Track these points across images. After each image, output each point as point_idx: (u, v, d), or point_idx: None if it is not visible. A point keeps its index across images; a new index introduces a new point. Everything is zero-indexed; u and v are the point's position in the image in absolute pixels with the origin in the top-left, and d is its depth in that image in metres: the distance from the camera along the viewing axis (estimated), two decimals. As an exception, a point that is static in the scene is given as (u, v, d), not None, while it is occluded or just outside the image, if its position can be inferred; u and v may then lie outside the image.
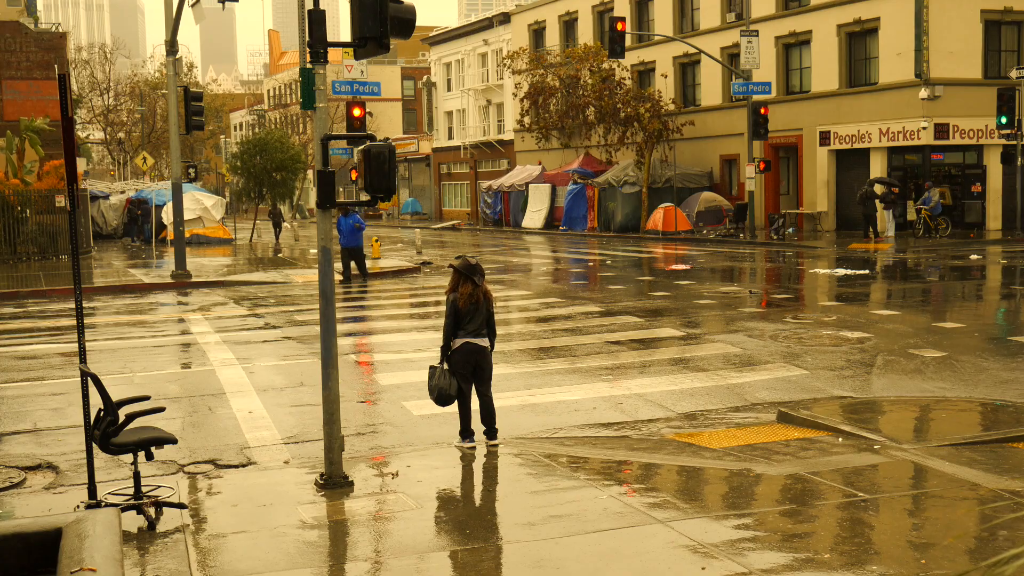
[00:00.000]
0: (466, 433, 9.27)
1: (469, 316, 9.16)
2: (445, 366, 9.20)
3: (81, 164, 46.32)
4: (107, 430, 7.25)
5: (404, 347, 14.99)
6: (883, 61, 35.62)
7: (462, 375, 9.18)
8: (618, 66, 42.67)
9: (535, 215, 48.82)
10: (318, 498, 7.82)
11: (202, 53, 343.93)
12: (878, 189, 34.04)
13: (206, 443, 9.73)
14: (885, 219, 33.60)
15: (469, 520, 7.38)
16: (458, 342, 9.19)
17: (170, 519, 7.36)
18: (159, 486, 7.89)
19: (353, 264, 25.19)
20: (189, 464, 9.00)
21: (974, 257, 26.99)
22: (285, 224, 47.45)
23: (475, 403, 9.36)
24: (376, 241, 32.14)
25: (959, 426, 9.78)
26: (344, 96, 28.28)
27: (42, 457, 9.31)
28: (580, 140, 45.58)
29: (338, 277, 24.63)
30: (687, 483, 8.34)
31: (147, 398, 7.93)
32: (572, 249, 36.30)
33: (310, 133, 68.40)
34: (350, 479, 8.12)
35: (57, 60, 36.96)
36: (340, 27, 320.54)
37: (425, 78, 70.98)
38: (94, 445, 7.46)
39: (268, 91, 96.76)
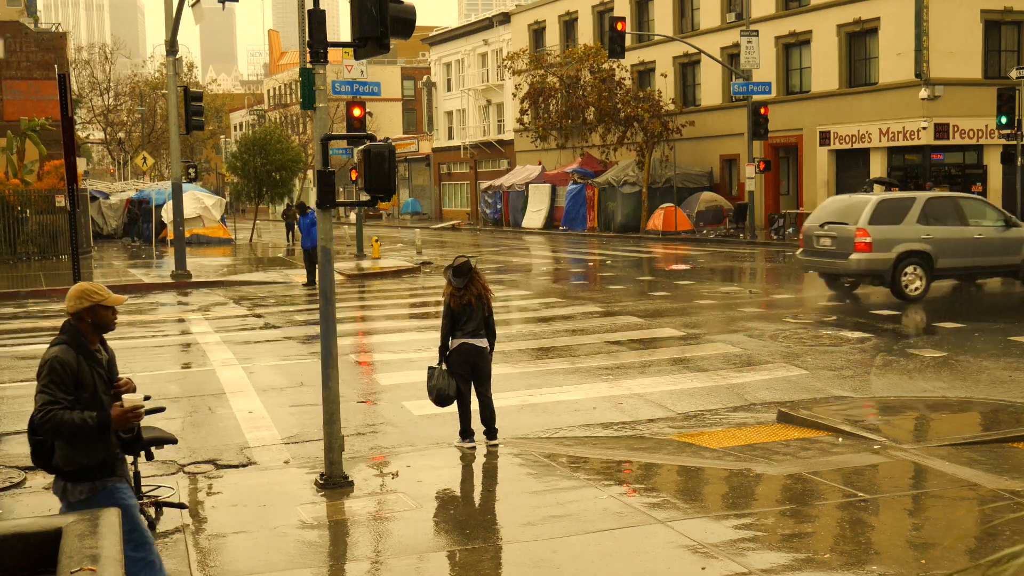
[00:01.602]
0: (466, 433, 9.27)
1: (465, 317, 9.15)
2: (443, 367, 9.21)
3: (81, 164, 46.23)
4: (107, 430, 7.24)
5: (404, 347, 15.00)
6: (883, 61, 35.62)
7: (460, 376, 9.18)
8: (618, 66, 42.66)
9: (535, 215, 48.83)
10: (318, 498, 7.82)
11: (202, 53, 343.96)
12: (876, 190, 34.03)
13: (206, 443, 9.73)
14: (885, 219, 33.59)
15: (469, 520, 7.38)
16: (455, 343, 9.19)
17: (170, 519, 7.36)
18: (159, 486, 7.90)
19: (307, 268, 24.07)
20: (189, 464, 9.00)
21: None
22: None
23: (475, 403, 9.37)
24: (376, 241, 32.14)
25: (959, 426, 9.78)
26: (344, 96, 28.28)
27: (42, 457, 9.30)
28: (580, 140, 45.58)
29: (302, 280, 24.32)
30: (687, 483, 8.34)
31: (147, 398, 7.93)
32: (572, 249, 36.30)
33: (310, 133, 68.41)
34: (350, 479, 8.12)
35: (57, 60, 36.95)
36: (340, 27, 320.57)
37: (425, 78, 70.99)
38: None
39: (268, 91, 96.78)
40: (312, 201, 56.42)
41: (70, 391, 5.14)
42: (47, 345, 5.40)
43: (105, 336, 5.53)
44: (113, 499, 5.22)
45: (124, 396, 5.24)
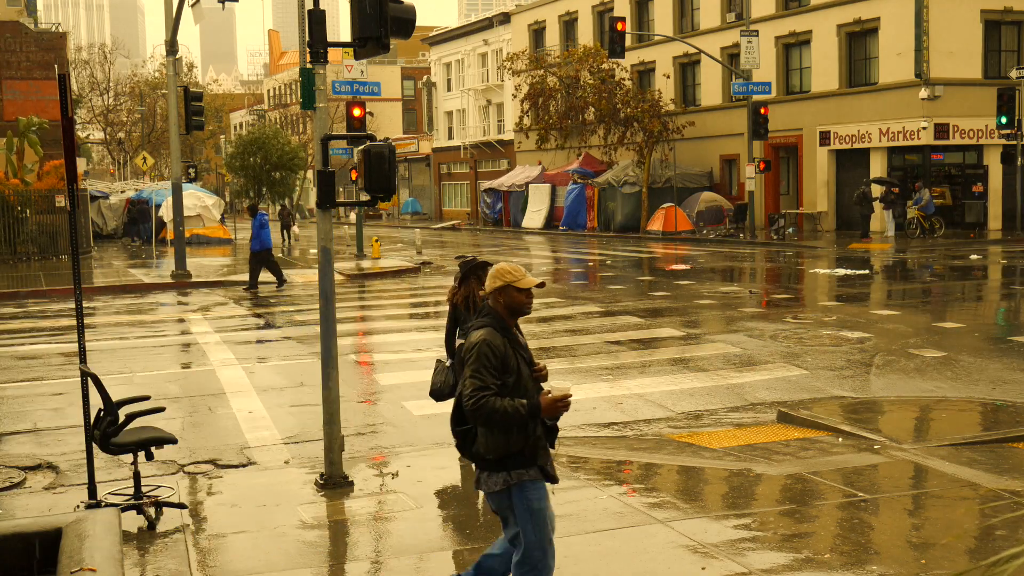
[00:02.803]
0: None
1: (461, 317, 9.13)
2: (447, 363, 9.21)
3: (81, 164, 46.25)
4: (107, 430, 7.24)
5: (404, 347, 14.99)
6: (883, 61, 35.63)
7: (458, 375, 9.15)
8: (618, 66, 42.67)
9: (535, 215, 48.83)
10: (318, 498, 7.82)
11: (202, 53, 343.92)
12: (875, 189, 34.05)
13: (206, 443, 9.73)
14: (885, 219, 33.60)
15: (469, 520, 7.38)
16: (458, 342, 9.18)
17: (170, 519, 7.36)
18: (159, 486, 7.89)
19: (269, 271, 23.69)
20: (189, 464, 9.00)
21: (974, 257, 27.00)
22: (294, 227, 44.69)
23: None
24: (376, 241, 32.15)
25: (959, 426, 9.78)
26: (344, 96, 28.27)
27: (42, 457, 9.31)
28: (580, 140, 45.60)
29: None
30: (687, 483, 8.33)
31: (147, 398, 7.93)
32: (572, 249, 36.30)
33: (310, 133, 68.40)
34: (350, 479, 8.12)
35: (57, 60, 36.95)
36: (340, 27, 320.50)
37: (425, 78, 70.99)
38: (94, 445, 7.46)
39: (268, 91, 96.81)
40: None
41: (499, 376, 4.97)
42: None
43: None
44: (522, 498, 5.05)
45: (553, 384, 5.02)
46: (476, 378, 4.95)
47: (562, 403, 5.00)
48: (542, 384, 5.16)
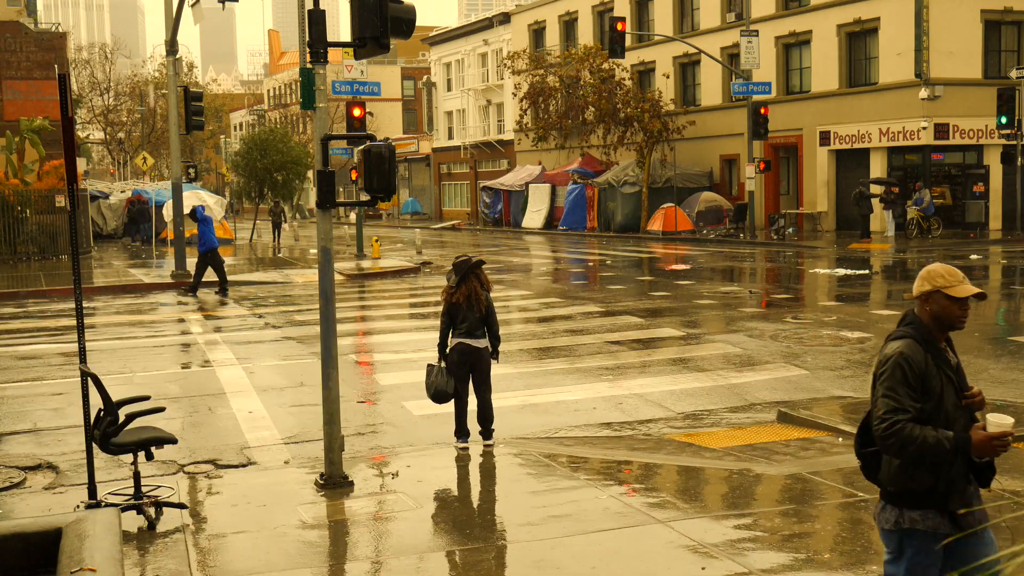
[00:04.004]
0: (461, 433, 9.26)
1: (459, 316, 9.14)
2: (442, 364, 9.23)
3: (81, 164, 46.23)
4: (107, 430, 7.24)
5: (404, 347, 15.00)
6: (883, 61, 35.63)
7: (457, 376, 9.16)
8: (618, 66, 42.66)
9: (535, 215, 48.83)
10: (318, 498, 7.82)
11: (202, 53, 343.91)
12: (874, 189, 34.05)
13: (206, 443, 9.73)
14: (885, 219, 33.61)
15: (469, 520, 7.38)
16: (453, 341, 9.19)
17: (170, 519, 7.36)
18: (159, 486, 7.89)
19: (215, 273, 22.69)
20: (189, 464, 9.00)
21: (974, 257, 26.99)
22: (285, 225, 45.22)
23: (474, 403, 9.36)
24: (376, 241, 32.15)
25: (959, 426, 9.77)
26: (344, 96, 28.27)
27: (42, 457, 9.31)
28: (580, 140, 45.59)
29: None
30: (687, 483, 8.34)
31: (147, 398, 7.93)
32: (572, 249, 36.30)
33: (310, 133, 68.39)
34: (350, 479, 8.12)
35: (57, 60, 36.93)
36: (340, 27, 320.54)
37: (425, 78, 70.99)
38: (94, 445, 7.46)
39: (268, 91, 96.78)
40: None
41: (918, 398, 4.21)
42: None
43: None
44: (904, 547, 4.30)
45: (989, 417, 4.17)
46: (890, 397, 4.19)
47: (999, 441, 4.14)
48: (976, 414, 4.28)
